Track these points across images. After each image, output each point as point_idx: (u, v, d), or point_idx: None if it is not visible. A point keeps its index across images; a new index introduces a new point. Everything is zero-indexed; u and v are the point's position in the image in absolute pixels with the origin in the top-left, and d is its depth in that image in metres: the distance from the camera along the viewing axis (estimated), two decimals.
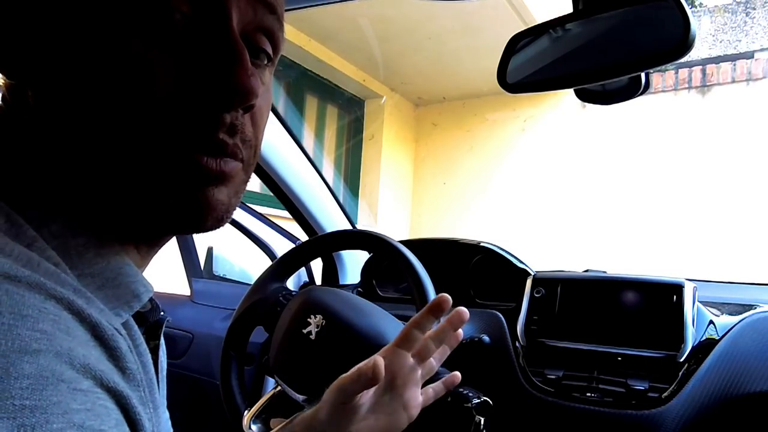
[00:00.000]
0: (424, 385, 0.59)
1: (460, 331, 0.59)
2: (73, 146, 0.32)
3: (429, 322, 0.55)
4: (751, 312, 0.87)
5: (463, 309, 0.57)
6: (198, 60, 0.32)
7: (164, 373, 0.44)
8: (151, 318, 0.40)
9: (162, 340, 0.43)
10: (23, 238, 0.29)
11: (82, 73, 0.31)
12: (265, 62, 0.38)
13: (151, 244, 0.38)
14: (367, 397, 0.51)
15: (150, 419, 0.30)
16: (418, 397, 0.55)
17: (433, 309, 0.55)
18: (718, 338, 0.84)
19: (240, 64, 0.32)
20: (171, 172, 0.32)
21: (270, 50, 0.38)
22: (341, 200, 1.32)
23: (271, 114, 1.09)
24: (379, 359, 0.47)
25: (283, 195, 1.20)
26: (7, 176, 0.31)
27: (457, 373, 0.60)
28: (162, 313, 0.43)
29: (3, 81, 0.34)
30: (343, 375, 0.49)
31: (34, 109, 0.33)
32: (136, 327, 0.35)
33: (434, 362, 0.59)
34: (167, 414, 0.43)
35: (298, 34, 3.69)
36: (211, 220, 0.34)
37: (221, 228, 0.36)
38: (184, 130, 0.32)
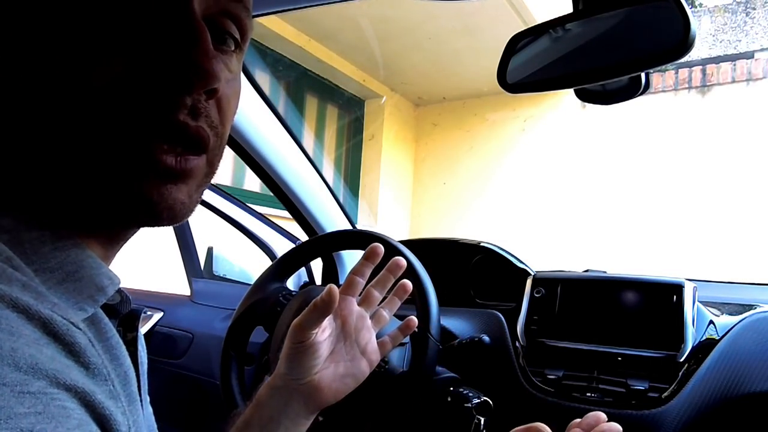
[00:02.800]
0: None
1: (408, 282, 0.63)
2: (22, 137, 0.30)
3: (367, 268, 0.60)
4: (751, 312, 0.87)
5: (401, 258, 0.61)
6: (156, 41, 0.30)
7: (145, 367, 0.42)
8: (122, 310, 0.38)
9: (140, 333, 0.41)
10: None
11: (27, 57, 0.29)
12: (232, 48, 0.37)
13: (113, 238, 0.36)
14: (323, 337, 0.53)
15: (123, 413, 0.29)
16: (372, 342, 0.58)
17: (368, 256, 0.60)
18: (718, 338, 0.84)
19: (200, 44, 0.31)
20: (127, 165, 0.30)
21: (237, 35, 0.36)
22: (341, 200, 1.32)
23: (270, 113, 1.09)
24: (332, 286, 0.50)
25: (283, 195, 1.20)
26: None
27: (413, 318, 0.62)
28: (145, 308, 0.42)
29: None
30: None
31: None
32: (106, 319, 0.34)
33: (385, 312, 0.62)
34: (150, 409, 0.42)
35: (298, 34, 3.69)
36: (168, 218, 0.33)
37: (182, 222, 0.35)
38: (140, 116, 0.30)
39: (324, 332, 0.53)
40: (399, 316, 0.82)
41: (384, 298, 0.62)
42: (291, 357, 0.52)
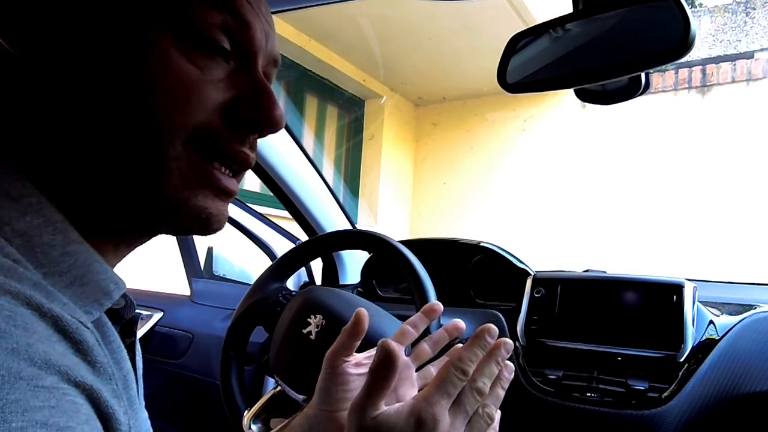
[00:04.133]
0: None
1: (460, 346, 0.59)
2: (80, 143, 0.32)
3: (423, 322, 0.57)
4: (751, 312, 0.87)
5: (460, 321, 0.58)
6: (239, 93, 0.36)
7: (140, 372, 0.43)
8: (126, 315, 0.40)
9: (137, 339, 0.42)
10: None
11: (115, 78, 0.32)
12: None
13: (134, 243, 0.38)
14: (356, 371, 0.50)
15: (125, 412, 0.30)
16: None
17: (427, 312, 0.57)
18: (718, 338, 0.84)
19: (275, 100, 0.38)
20: (193, 182, 0.35)
21: None
22: (341, 200, 1.32)
23: None
24: (362, 310, 0.49)
25: (283, 195, 1.20)
26: None
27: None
28: (142, 314, 0.43)
29: None
30: None
31: (24, 92, 0.32)
32: (109, 324, 0.35)
33: (432, 369, 0.58)
34: (146, 413, 0.43)
35: (298, 34, 3.69)
36: (214, 228, 0.37)
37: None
38: (214, 147, 0.35)
39: (359, 367, 0.50)
40: (399, 316, 0.82)
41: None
42: (323, 385, 0.50)
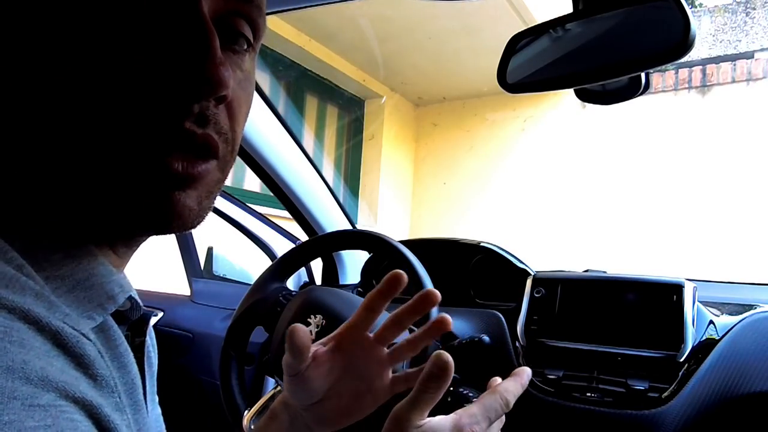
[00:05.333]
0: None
1: (447, 317, 0.50)
2: (31, 145, 0.30)
3: (385, 299, 0.50)
4: (751, 312, 0.87)
5: (435, 293, 0.50)
6: (164, 46, 0.29)
7: (154, 368, 0.43)
8: (132, 316, 0.38)
9: (152, 335, 0.41)
10: None
11: (33, 62, 0.28)
12: (245, 47, 0.36)
13: (126, 244, 0.36)
14: (316, 372, 0.47)
15: (128, 425, 0.29)
16: (383, 379, 0.50)
17: (384, 291, 0.50)
18: (718, 338, 0.84)
19: (209, 50, 0.30)
20: (136, 173, 0.30)
21: (250, 35, 0.36)
22: (341, 200, 1.32)
23: (270, 113, 1.09)
24: (294, 327, 0.45)
25: (283, 195, 1.20)
26: None
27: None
28: (154, 311, 0.42)
29: None
30: None
31: None
32: (115, 327, 0.34)
33: (407, 350, 0.51)
34: (158, 410, 0.42)
35: (298, 34, 3.69)
36: (178, 225, 0.32)
37: (193, 229, 0.34)
38: (148, 124, 0.29)
39: (318, 368, 0.47)
40: None
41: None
42: (288, 387, 0.48)
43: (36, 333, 0.24)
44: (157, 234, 0.33)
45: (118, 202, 0.30)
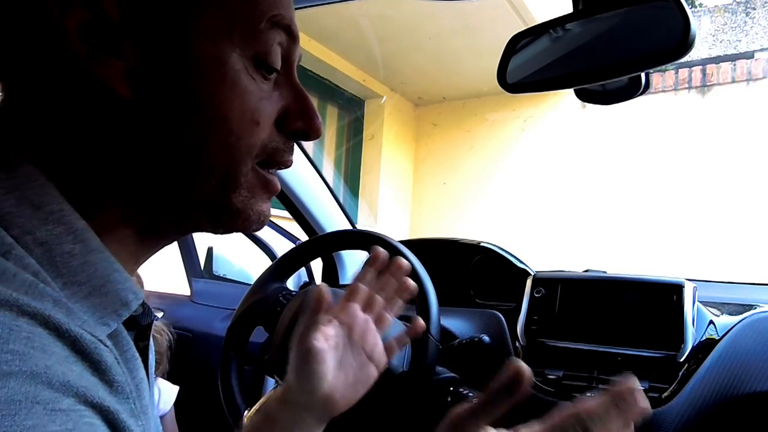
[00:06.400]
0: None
1: (411, 282, 0.61)
2: (153, 157, 0.34)
3: (370, 274, 0.60)
4: (751, 312, 0.87)
5: (401, 259, 0.60)
6: (287, 106, 0.38)
7: (153, 369, 0.44)
8: (143, 321, 0.40)
9: (151, 339, 0.42)
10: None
11: (187, 99, 0.34)
12: None
13: (154, 248, 0.39)
14: (327, 344, 0.52)
15: (143, 431, 0.30)
16: (379, 346, 0.57)
17: (370, 261, 0.60)
18: (718, 338, 0.84)
19: (315, 110, 0.40)
20: (255, 192, 0.38)
21: None
22: (341, 200, 1.32)
23: None
24: (319, 287, 0.54)
25: (283, 195, 1.20)
26: None
27: (421, 321, 0.61)
28: (156, 315, 0.43)
29: None
30: None
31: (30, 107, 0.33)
32: (125, 333, 0.35)
33: (388, 314, 0.60)
34: (157, 411, 0.43)
35: None
36: (260, 224, 0.41)
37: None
38: (275, 159, 0.39)
39: (329, 340, 0.52)
40: (399, 316, 0.82)
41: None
42: (298, 367, 0.51)
43: (56, 339, 0.25)
44: (245, 231, 0.42)
45: (235, 212, 0.38)
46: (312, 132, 0.40)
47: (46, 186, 0.31)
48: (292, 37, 0.37)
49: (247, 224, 0.39)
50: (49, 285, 0.28)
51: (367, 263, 0.60)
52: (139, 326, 0.39)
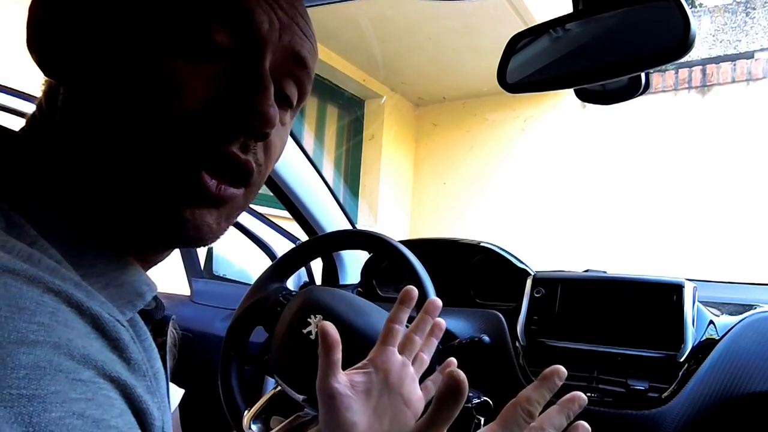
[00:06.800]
0: (422, 380, 0.58)
1: (442, 320, 0.60)
2: (85, 151, 0.33)
3: (403, 314, 0.57)
4: (751, 312, 0.87)
5: (436, 298, 0.59)
6: (226, 87, 0.34)
7: (169, 368, 0.45)
8: (156, 315, 0.41)
9: (168, 338, 0.43)
10: (25, 237, 0.29)
11: (111, 79, 0.33)
12: (289, 105, 0.41)
13: (149, 257, 0.39)
14: (353, 391, 0.49)
15: (159, 408, 0.30)
16: (417, 392, 0.54)
17: (404, 301, 0.57)
18: (718, 338, 0.84)
19: (263, 93, 0.35)
20: (169, 184, 0.33)
21: (294, 97, 0.41)
22: (341, 200, 1.32)
23: None
24: (324, 324, 0.49)
25: (283, 195, 1.20)
26: (18, 179, 0.32)
27: (453, 359, 0.59)
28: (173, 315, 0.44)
29: (43, 85, 0.37)
30: None
31: (60, 112, 0.34)
32: (141, 323, 0.36)
33: (424, 356, 0.58)
34: (169, 407, 0.43)
35: None
36: (195, 240, 0.35)
37: (205, 246, 0.37)
38: (196, 144, 0.33)
39: (356, 387, 0.50)
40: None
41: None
42: (326, 416, 0.48)
43: (78, 316, 0.26)
44: (172, 246, 0.37)
45: (149, 211, 0.33)
46: (246, 115, 0.35)
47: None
48: (241, 12, 0.35)
49: (174, 232, 0.35)
50: (71, 272, 0.29)
51: (399, 302, 0.57)
52: (153, 320, 0.41)
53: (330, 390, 0.47)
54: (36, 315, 0.24)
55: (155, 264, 0.40)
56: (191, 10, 0.33)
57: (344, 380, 0.49)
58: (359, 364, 0.52)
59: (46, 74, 0.35)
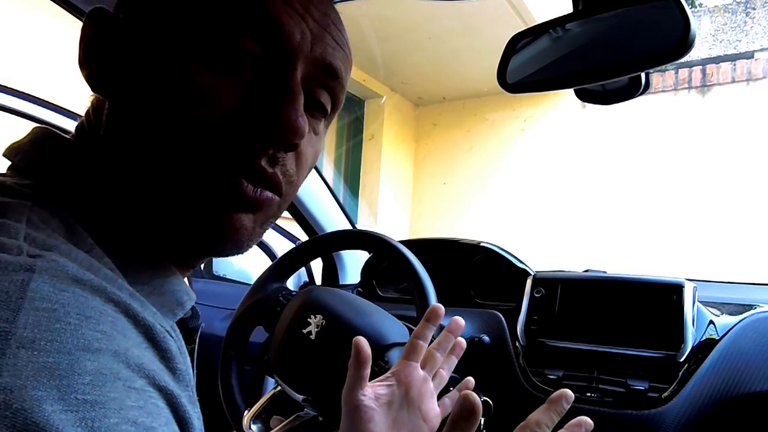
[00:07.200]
0: (440, 396, 0.60)
1: (462, 339, 0.61)
2: (127, 161, 0.35)
3: (429, 330, 0.58)
4: (751, 312, 0.87)
5: (459, 318, 0.60)
6: (257, 98, 0.35)
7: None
8: (191, 324, 0.43)
9: (196, 346, 0.45)
10: (83, 245, 0.30)
11: (149, 93, 0.34)
12: (322, 114, 0.42)
13: (185, 265, 0.40)
14: (375, 403, 0.51)
15: (199, 418, 0.31)
16: (435, 408, 0.56)
17: (430, 318, 0.58)
18: (718, 338, 0.84)
19: (291, 103, 0.35)
20: (208, 191, 0.34)
21: (328, 105, 0.42)
22: (341, 200, 1.32)
23: None
24: (359, 339, 0.51)
25: None
26: (74, 188, 0.34)
27: (471, 379, 0.61)
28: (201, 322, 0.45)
29: (90, 99, 0.39)
30: None
31: (104, 126, 0.36)
32: (178, 331, 0.37)
33: (444, 372, 0.60)
34: None
35: None
36: (231, 244, 0.36)
37: (242, 253, 0.38)
38: (229, 155, 0.34)
39: (379, 399, 0.51)
40: (399, 316, 0.82)
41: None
42: (346, 425, 0.50)
43: (133, 326, 0.28)
44: (210, 252, 0.37)
45: (187, 216, 0.34)
46: (274, 127, 0.35)
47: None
48: (270, 23, 0.36)
49: (211, 237, 0.36)
50: (123, 281, 0.31)
51: (426, 320, 0.58)
52: (186, 328, 0.42)
53: (356, 401, 0.49)
54: (99, 324, 0.25)
55: (189, 272, 0.41)
56: (223, 22, 0.34)
57: (369, 393, 0.50)
58: (382, 377, 0.54)
59: (93, 90, 0.37)
